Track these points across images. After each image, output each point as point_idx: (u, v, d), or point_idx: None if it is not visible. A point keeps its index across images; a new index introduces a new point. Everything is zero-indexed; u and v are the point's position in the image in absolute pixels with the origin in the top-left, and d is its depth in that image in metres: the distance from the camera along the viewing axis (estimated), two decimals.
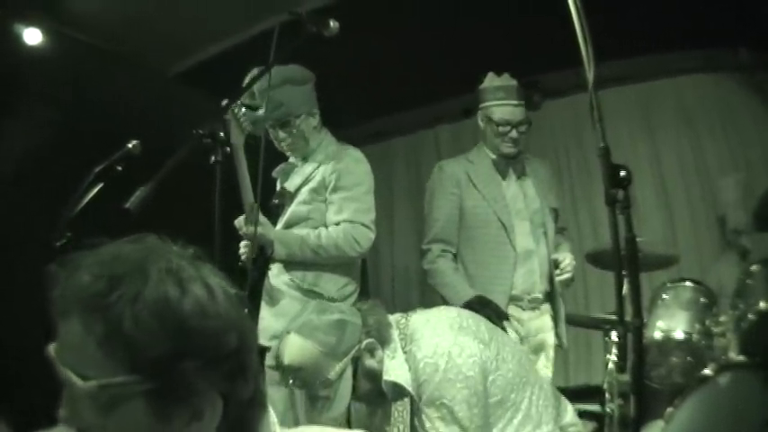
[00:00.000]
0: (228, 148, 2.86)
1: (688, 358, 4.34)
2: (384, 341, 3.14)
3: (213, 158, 2.79)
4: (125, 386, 1.24)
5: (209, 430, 1.32)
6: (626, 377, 2.17)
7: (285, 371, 3.13)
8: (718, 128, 6.95)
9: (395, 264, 8.16)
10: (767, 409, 3.54)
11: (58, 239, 3.14)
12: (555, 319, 4.56)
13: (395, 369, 3.09)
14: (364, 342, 3.09)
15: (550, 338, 4.54)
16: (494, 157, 4.61)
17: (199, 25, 5.87)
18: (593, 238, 6.33)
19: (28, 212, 4.45)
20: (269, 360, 4.00)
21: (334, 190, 4.16)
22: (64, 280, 1.29)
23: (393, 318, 3.28)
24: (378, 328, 3.16)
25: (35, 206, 4.12)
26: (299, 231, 4.12)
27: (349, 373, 3.06)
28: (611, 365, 4.25)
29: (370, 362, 3.10)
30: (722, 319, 4.34)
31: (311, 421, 3.89)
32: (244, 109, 3.81)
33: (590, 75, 2.15)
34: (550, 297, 4.56)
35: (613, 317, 4.55)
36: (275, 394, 3.95)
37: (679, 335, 4.27)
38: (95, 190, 3.14)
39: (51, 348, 1.30)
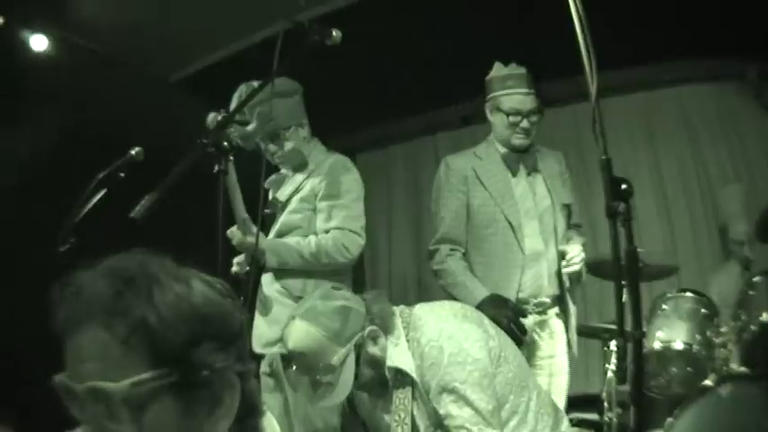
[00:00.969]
0: (232, 158, 2.89)
1: (688, 368, 4.36)
2: (387, 329, 3.17)
3: (217, 168, 2.82)
4: (154, 381, 1.28)
5: (229, 417, 1.39)
6: (625, 387, 2.19)
7: (289, 356, 3.18)
8: (720, 137, 6.98)
9: (392, 270, 8.20)
10: None
11: (62, 245, 3.18)
12: (565, 324, 4.32)
13: (398, 356, 3.12)
14: (367, 329, 3.12)
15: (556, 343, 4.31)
16: (504, 151, 4.35)
17: (201, 33, 5.91)
18: (593, 247, 6.32)
19: (32, 218, 4.48)
20: (263, 367, 4.08)
21: (324, 198, 4.19)
22: (74, 295, 1.34)
23: (397, 308, 3.31)
24: (381, 316, 3.19)
25: (39, 212, 4.15)
26: (290, 240, 4.16)
27: (352, 359, 3.08)
28: (609, 375, 4.28)
29: (372, 349, 3.12)
30: (723, 330, 4.36)
31: (307, 421, 3.96)
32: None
33: (593, 88, 2.16)
34: (560, 300, 4.32)
35: (611, 326, 4.60)
36: (271, 401, 4.02)
37: (679, 345, 4.28)
38: (98, 196, 3.19)
39: (62, 376, 1.34)
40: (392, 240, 8.29)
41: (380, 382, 3.20)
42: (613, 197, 2.07)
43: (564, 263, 4.14)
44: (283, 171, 4.38)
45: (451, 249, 4.26)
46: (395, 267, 8.18)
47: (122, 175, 3.34)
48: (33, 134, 5.17)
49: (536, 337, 4.18)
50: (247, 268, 4.08)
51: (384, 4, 5.41)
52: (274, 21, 5.21)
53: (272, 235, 4.22)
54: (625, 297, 2.11)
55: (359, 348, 3.10)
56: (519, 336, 3.81)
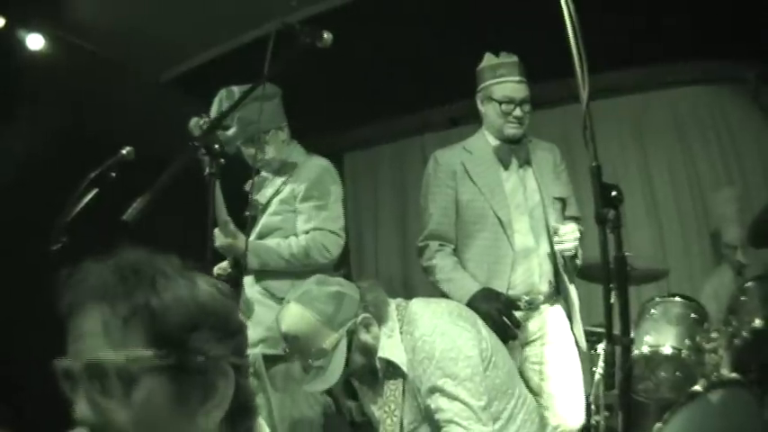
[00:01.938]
0: (223, 161, 2.91)
1: (677, 373, 4.38)
2: (380, 318, 3.21)
3: (207, 171, 2.83)
4: (150, 360, 1.35)
5: (222, 407, 1.44)
6: (614, 392, 2.19)
7: (282, 339, 3.22)
8: (713, 140, 7.02)
9: (379, 270, 8.24)
10: (761, 427, 3.61)
11: (54, 244, 3.20)
12: (569, 316, 4.19)
13: (390, 348, 3.16)
14: (361, 316, 3.16)
15: (553, 333, 4.16)
16: (495, 143, 4.27)
17: (192, 33, 5.92)
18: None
19: (24, 217, 4.49)
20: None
21: (304, 200, 4.24)
22: (79, 281, 1.41)
23: (394, 301, 3.34)
24: (375, 304, 3.23)
25: (31, 211, 4.16)
26: (270, 241, 4.20)
27: (343, 345, 3.12)
28: (597, 378, 4.31)
29: (365, 336, 3.16)
30: (714, 335, 4.39)
31: (289, 421, 3.99)
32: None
33: (584, 94, 2.17)
34: (559, 292, 4.21)
35: (598, 329, 4.61)
36: None
37: (667, 350, 4.30)
38: (90, 196, 3.21)
39: (66, 358, 1.39)
40: (378, 240, 8.36)
41: (371, 370, 3.24)
42: (603, 204, 2.08)
43: (556, 239, 4.01)
44: (263, 174, 4.41)
45: (440, 245, 4.20)
46: (381, 267, 8.22)
47: (113, 174, 3.36)
48: (26, 133, 5.18)
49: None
50: (229, 270, 4.15)
51: (374, 5, 5.43)
52: (265, 21, 5.24)
53: (252, 237, 4.25)
54: (613, 300, 2.13)
55: (351, 335, 3.14)
56: (512, 329, 3.79)
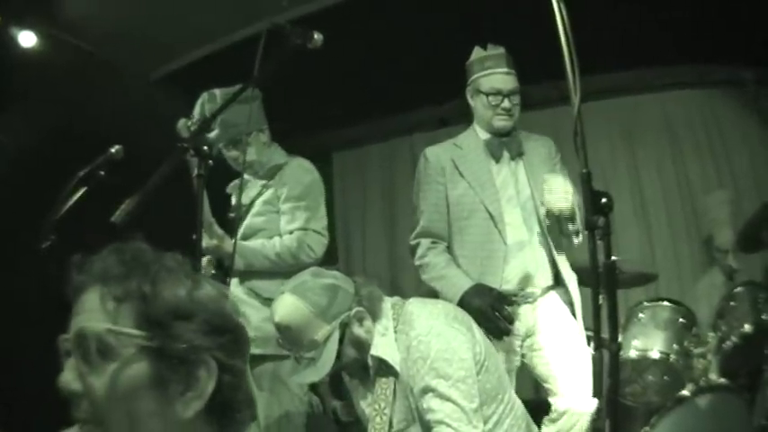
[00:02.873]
0: (211, 162, 2.92)
1: (664, 377, 4.40)
2: (374, 314, 3.22)
3: (196, 172, 2.84)
4: (128, 336, 1.42)
5: (201, 399, 1.47)
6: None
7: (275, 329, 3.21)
8: (704, 144, 7.05)
9: (367, 269, 8.23)
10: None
11: (43, 242, 3.22)
12: (571, 305, 4.06)
13: (384, 346, 3.17)
14: (354, 310, 3.15)
15: (550, 319, 4.03)
16: (486, 137, 4.21)
17: (182, 31, 5.93)
18: (567, 252, 6.41)
19: (14, 214, 4.50)
20: None
21: (287, 200, 4.27)
22: (84, 266, 1.50)
23: (390, 300, 3.35)
24: (370, 298, 3.23)
25: (21, 208, 4.17)
26: (255, 242, 4.24)
27: (336, 337, 3.12)
28: None
29: (358, 330, 3.15)
30: (703, 339, 4.41)
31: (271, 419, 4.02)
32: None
33: (575, 99, 2.19)
34: (558, 282, 4.10)
35: (588, 332, 4.60)
36: None
37: (655, 354, 4.33)
38: (79, 194, 3.22)
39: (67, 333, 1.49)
40: (366, 239, 8.39)
41: (363, 365, 3.24)
42: (593, 211, 2.09)
43: (545, 187, 3.87)
44: (245, 176, 4.43)
45: (433, 243, 4.17)
46: (369, 266, 8.23)
47: (102, 173, 3.37)
48: (15, 129, 5.19)
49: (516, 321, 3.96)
50: (213, 272, 4.18)
51: (363, 4, 5.44)
52: (256, 20, 5.25)
53: (236, 238, 4.27)
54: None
55: (344, 328, 3.14)
56: (504, 325, 3.76)
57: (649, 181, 7.11)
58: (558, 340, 3.95)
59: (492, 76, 4.13)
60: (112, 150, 3.51)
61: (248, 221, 4.32)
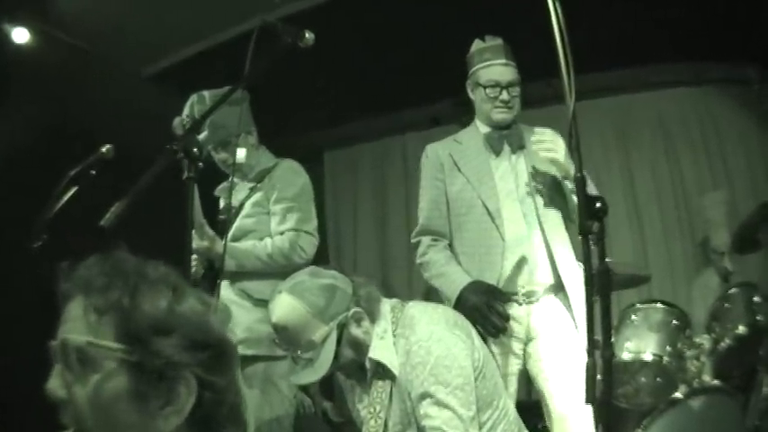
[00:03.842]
0: (201, 164, 2.92)
1: (657, 379, 4.40)
2: (372, 315, 3.21)
3: (186, 174, 2.84)
4: (108, 349, 1.46)
5: (180, 415, 1.50)
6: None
7: (272, 328, 3.20)
8: (699, 143, 7.05)
9: (358, 269, 8.16)
10: None
11: (35, 242, 3.22)
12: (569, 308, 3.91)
13: (381, 349, 3.16)
14: (352, 310, 3.15)
15: (551, 328, 3.87)
16: (486, 131, 4.15)
17: (174, 27, 5.92)
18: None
19: (6, 213, 4.50)
20: None
21: (277, 201, 4.31)
22: (75, 274, 1.54)
23: (391, 302, 3.33)
24: (368, 299, 3.22)
25: (15, 206, 4.17)
26: (246, 243, 4.27)
27: (333, 338, 3.11)
28: None
29: (355, 331, 3.15)
30: (697, 341, 4.41)
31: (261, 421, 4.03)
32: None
33: (570, 101, 2.17)
34: (558, 289, 3.94)
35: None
36: None
37: (648, 357, 4.33)
38: (70, 193, 3.23)
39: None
40: (357, 238, 8.39)
41: (360, 366, 3.23)
42: (587, 216, 2.08)
43: (534, 138, 3.85)
44: (233, 179, 4.45)
45: (433, 240, 4.12)
46: (360, 267, 8.21)
47: (93, 172, 3.37)
48: (7, 126, 5.19)
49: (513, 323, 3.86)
50: (202, 272, 4.19)
51: (355, 3, 5.44)
52: (248, 17, 5.25)
53: (226, 240, 4.29)
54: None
55: (342, 328, 3.13)
56: (500, 322, 3.69)
57: (643, 181, 7.09)
58: (557, 352, 3.84)
59: (490, 67, 4.08)
60: (103, 150, 3.50)
61: (238, 223, 4.35)
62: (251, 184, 4.39)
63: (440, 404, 2.97)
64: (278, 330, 3.16)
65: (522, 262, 3.91)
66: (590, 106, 6.86)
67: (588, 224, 2.07)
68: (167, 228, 2.98)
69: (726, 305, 4.70)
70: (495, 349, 3.73)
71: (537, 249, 3.94)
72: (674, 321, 4.47)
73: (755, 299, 4.61)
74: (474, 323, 3.47)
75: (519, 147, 4.10)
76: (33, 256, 3.16)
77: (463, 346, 3.10)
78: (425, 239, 4.15)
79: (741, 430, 3.87)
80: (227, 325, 1.60)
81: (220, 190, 4.52)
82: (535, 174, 4.02)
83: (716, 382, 4.13)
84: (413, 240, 4.23)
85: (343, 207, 8.50)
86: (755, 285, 4.75)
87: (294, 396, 4.27)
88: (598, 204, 2.10)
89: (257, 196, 4.34)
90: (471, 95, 4.24)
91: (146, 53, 6.39)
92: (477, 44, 4.21)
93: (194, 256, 4.15)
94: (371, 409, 3.17)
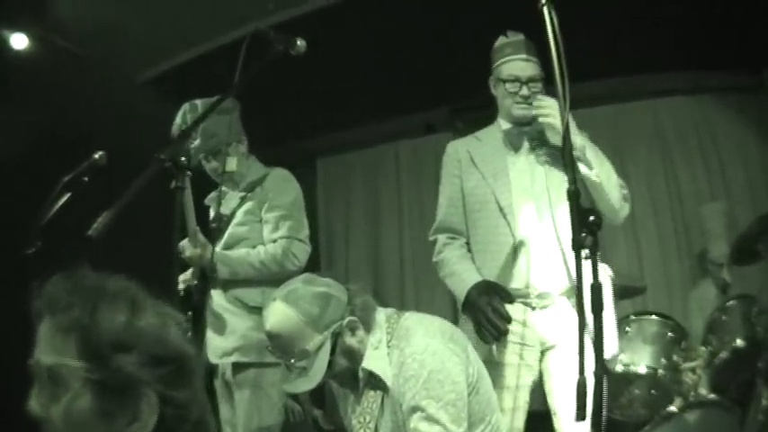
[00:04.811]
0: (189, 173, 2.92)
1: (651, 391, 4.40)
2: (367, 324, 3.19)
3: (174, 184, 2.84)
4: (72, 369, 1.52)
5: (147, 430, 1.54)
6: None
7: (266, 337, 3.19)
8: (696, 153, 7.02)
9: (349, 276, 8.17)
10: None
11: (29, 248, 3.21)
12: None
13: (375, 359, 3.14)
14: (347, 319, 3.12)
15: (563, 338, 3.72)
16: (506, 127, 4.06)
17: (168, 33, 5.93)
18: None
19: (2, 218, 4.50)
20: (219, 376, 4.27)
21: (269, 209, 4.34)
22: (44, 295, 1.59)
23: (386, 311, 3.31)
24: (363, 308, 3.19)
25: (9, 211, 4.17)
26: (239, 251, 4.31)
27: (327, 347, 3.09)
28: None
29: (350, 340, 3.13)
30: (693, 353, 4.40)
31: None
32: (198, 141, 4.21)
33: (566, 114, 2.18)
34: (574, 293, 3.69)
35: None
36: (221, 408, 4.28)
37: (642, 369, 4.32)
38: (63, 200, 3.23)
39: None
40: (350, 244, 8.40)
41: (354, 375, 3.22)
42: (580, 229, 2.06)
43: (535, 103, 3.79)
44: (223, 188, 4.47)
45: (450, 238, 4.03)
46: (352, 275, 8.16)
47: (86, 179, 3.36)
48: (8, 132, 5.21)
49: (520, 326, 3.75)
50: (195, 281, 4.20)
51: (349, 10, 5.45)
52: (242, 23, 5.24)
53: (219, 248, 4.31)
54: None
55: (336, 337, 3.11)
56: (501, 324, 3.55)
57: (638, 191, 6.96)
58: (570, 368, 3.42)
59: (511, 62, 3.99)
60: (96, 156, 3.50)
61: (230, 231, 4.39)
62: (242, 194, 4.42)
63: (430, 419, 2.94)
64: (271, 338, 3.14)
65: (534, 262, 3.79)
66: (585, 115, 6.79)
67: (581, 238, 2.04)
68: (162, 237, 2.97)
69: (723, 317, 4.69)
70: (509, 359, 3.67)
71: (551, 249, 3.80)
72: (670, 334, 4.46)
73: (754, 311, 4.59)
74: (478, 325, 3.48)
75: (541, 144, 3.98)
76: (27, 262, 3.16)
77: (458, 360, 3.07)
78: (441, 237, 4.07)
79: None
80: (186, 337, 1.62)
81: (210, 199, 4.55)
82: (551, 167, 3.93)
83: (713, 395, 4.12)
84: (430, 238, 4.15)
85: (335, 214, 8.50)
86: (754, 297, 4.74)
87: (284, 404, 4.31)
88: (592, 217, 2.08)
89: (249, 205, 4.37)
90: (494, 91, 4.13)
91: (142, 58, 6.39)
92: (500, 40, 4.12)
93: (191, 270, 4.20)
94: (361, 419, 3.16)
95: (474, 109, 6.30)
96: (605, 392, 3.40)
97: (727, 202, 6.43)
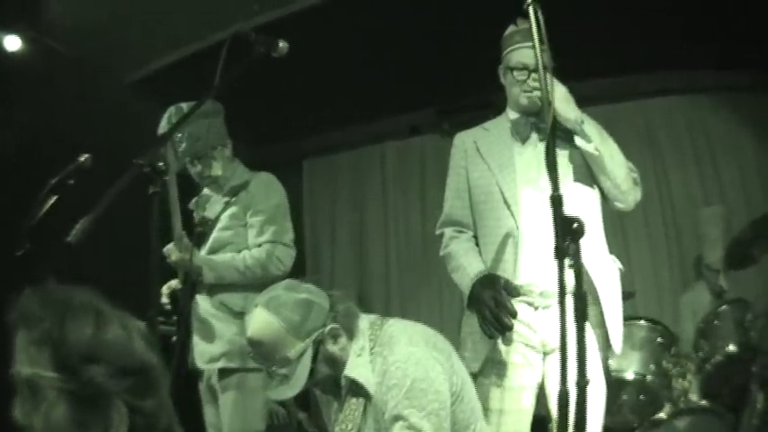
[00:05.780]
0: (167, 178, 2.92)
1: (640, 397, 4.40)
2: (350, 331, 3.18)
3: (152, 189, 2.84)
4: (47, 379, 1.61)
5: None
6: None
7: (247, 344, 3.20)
8: (689, 155, 7.02)
9: (335, 278, 8.28)
10: None
11: (17, 250, 3.21)
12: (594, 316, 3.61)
13: (358, 367, 3.13)
14: (329, 326, 3.11)
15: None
16: (515, 117, 3.94)
17: (156, 35, 5.94)
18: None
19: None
20: (204, 380, 4.30)
21: (254, 214, 4.37)
22: (17, 309, 1.69)
23: (369, 318, 3.30)
24: (345, 315, 3.18)
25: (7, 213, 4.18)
26: (224, 255, 4.33)
27: (309, 354, 3.09)
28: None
29: (332, 347, 3.12)
30: (686, 360, 4.39)
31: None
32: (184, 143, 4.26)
33: (549, 117, 2.18)
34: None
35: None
36: (207, 412, 4.33)
37: (630, 376, 4.32)
38: (50, 202, 3.22)
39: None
40: (335, 246, 8.44)
41: (336, 382, 3.21)
42: (563, 237, 2.05)
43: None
44: (206, 192, 4.50)
45: (457, 231, 3.92)
46: (338, 278, 8.27)
47: (72, 182, 3.36)
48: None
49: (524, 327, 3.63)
50: (181, 286, 4.23)
51: (335, 11, 5.45)
52: (228, 25, 5.24)
53: (204, 252, 4.32)
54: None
55: (318, 344, 3.11)
56: (507, 320, 3.41)
57: None
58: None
59: (519, 50, 3.86)
60: (81, 159, 3.50)
61: (215, 236, 4.41)
62: (226, 198, 4.43)
63: (413, 428, 2.93)
64: (253, 345, 3.14)
65: (538, 256, 3.63)
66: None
67: (564, 246, 2.03)
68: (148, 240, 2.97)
69: (716, 322, 4.68)
70: (513, 359, 3.58)
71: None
72: (659, 339, 4.46)
73: (748, 317, 4.58)
74: (483, 320, 3.42)
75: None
76: (16, 264, 3.16)
77: (441, 369, 3.06)
78: (448, 231, 3.96)
79: None
80: (151, 347, 1.66)
81: (194, 203, 4.55)
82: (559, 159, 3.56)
83: (703, 402, 4.13)
84: (437, 232, 4.06)
85: (321, 214, 8.57)
86: (747, 303, 4.73)
87: (268, 409, 4.33)
88: (575, 225, 2.07)
89: (234, 209, 4.39)
90: (503, 80, 4.02)
91: (128, 60, 6.39)
92: (509, 28, 3.98)
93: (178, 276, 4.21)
94: (344, 426, 3.15)
95: (461, 111, 6.34)
96: (603, 401, 3.45)
97: (720, 204, 6.42)
